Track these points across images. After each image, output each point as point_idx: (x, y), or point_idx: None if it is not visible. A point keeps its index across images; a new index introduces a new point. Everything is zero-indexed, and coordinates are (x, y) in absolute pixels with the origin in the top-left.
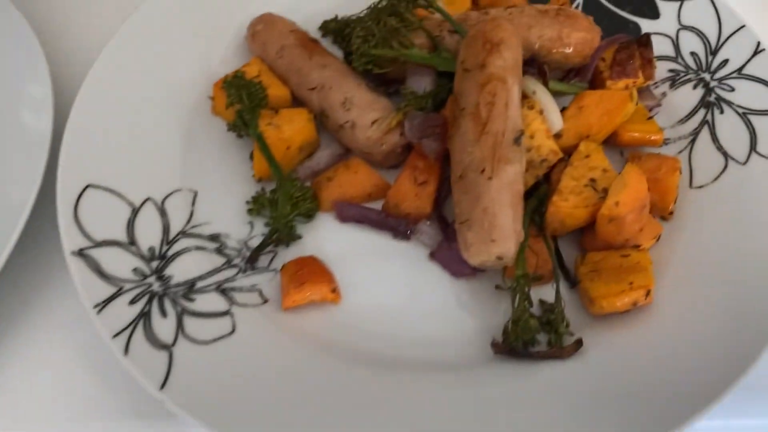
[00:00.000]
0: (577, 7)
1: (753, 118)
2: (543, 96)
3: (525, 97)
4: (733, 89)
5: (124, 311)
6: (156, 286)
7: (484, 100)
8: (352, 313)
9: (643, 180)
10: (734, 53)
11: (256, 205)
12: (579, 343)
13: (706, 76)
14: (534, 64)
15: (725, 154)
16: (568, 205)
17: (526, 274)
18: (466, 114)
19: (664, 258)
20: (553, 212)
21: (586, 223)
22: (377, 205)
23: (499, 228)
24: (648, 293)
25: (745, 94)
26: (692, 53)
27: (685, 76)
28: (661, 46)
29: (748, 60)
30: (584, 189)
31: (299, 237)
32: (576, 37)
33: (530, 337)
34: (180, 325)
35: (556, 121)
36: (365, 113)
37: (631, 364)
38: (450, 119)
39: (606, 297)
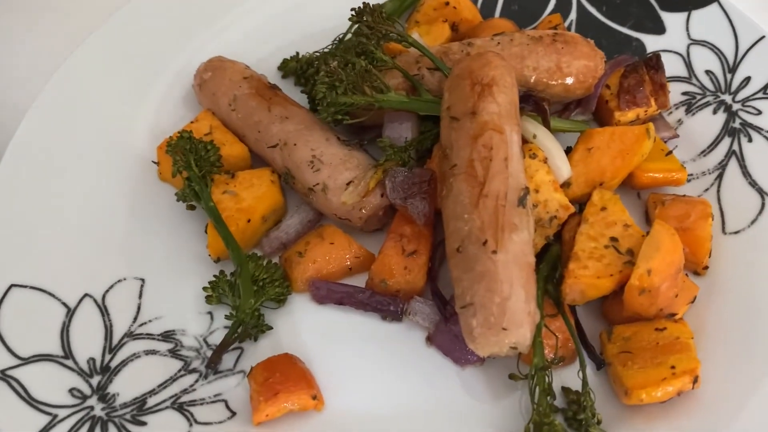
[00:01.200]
0: (570, 26)
1: None
2: (546, 140)
3: (524, 142)
4: (760, 112)
5: None
6: (98, 410)
7: (479, 155)
8: (339, 423)
9: (676, 240)
10: (757, 69)
11: (215, 292)
12: None
13: (727, 97)
14: (530, 101)
15: (760, 191)
16: (588, 273)
17: (545, 363)
18: (459, 172)
19: (701, 324)
20: (570, 284)
21: (610, 292)
22: (360, 281)
23: (510, 313)
24: (695, 379)
25: None
26: (708, 72)
27: (702, 99)
28: (671, 66)
29: None
30: (605, 252)
31: (269, 328)
32: (577, 66)
33: None
34: None
35: (564, 169)
36: (338, 173)
37: None
38: (439, 176)
39: (644, 387)
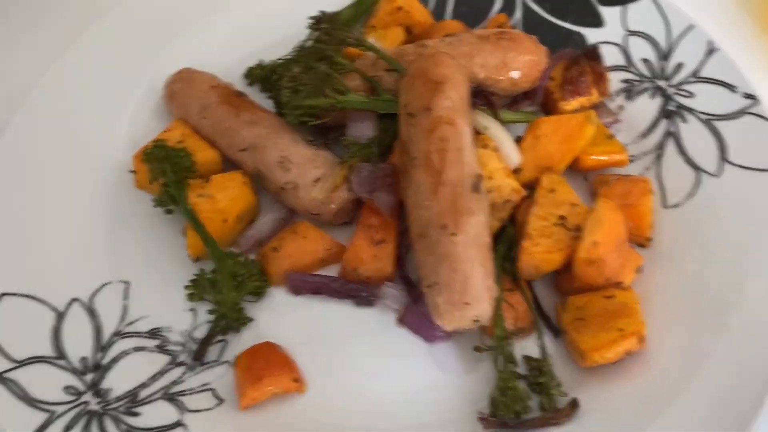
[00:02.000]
0: (517, 24)
1: (718, 125)
2: (496, 131)
3: (477, 134)
4: (693, 95)
5: None
6: (94, 404)
7: (435, 148)
8: (321, 402)
9: (618, 213)
10: (688, 56)
11: (197, 289)
12: (575, 405)
13: (662, 83)
14: (481, 96)
15: (696, 167)
16: (540, 250)
17: (506, 334)
18: (418, 164)
19: (647, 291)
20: (525, 260)
21: (562, 266)
22: (334, 271)
23: (471, 289)
24: (641, 339)
25: (706, 99)
26: (644, 60)
27: (640, 85)
28: (610, 56)
29: (703, 62)
30: (555, 229)
31: (250, 320)
32: (522, 61)
33: (522, 406)
34: None
35: (514, 156)
36: (306, 171)
37: (631, 419)
38: (401, 169)
39: (597, 349)
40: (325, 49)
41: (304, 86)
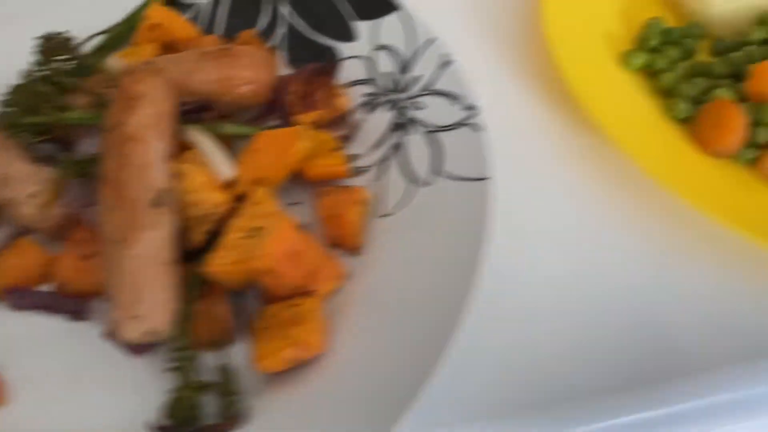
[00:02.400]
0: (282, 38)
1: (439, 136)
2: (207, 145)
3: (188, 149)
4: (423, 107)
5: None
6: None
7: (120, 163)
8: (26, 415)
9: (289, 225)
10: (425, 69)
11: None
12: (238, 413)
13: (398, 96)
14: (204, 111)
15: (413, 178)
16: (227, 262)
17: (186, 346)
18: (105, 179)
19: (351, 299)
20: (212, 271)
21: (250, 277)
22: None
23: (142, 303)
24: (306, 346)
25: (433, 111)
26: (387, 74)
27: (380, 98)
28: (358, 70)
29: (436, 74)
30: (247, 241)
31: None
32: (243, 77)
33: (189, 414)
34: None
35: (225, 170)
36: (23, 187)
37: (304, 422)
38: None
39: (267, 356)
40: (45, 70)
41: (18, 105)
